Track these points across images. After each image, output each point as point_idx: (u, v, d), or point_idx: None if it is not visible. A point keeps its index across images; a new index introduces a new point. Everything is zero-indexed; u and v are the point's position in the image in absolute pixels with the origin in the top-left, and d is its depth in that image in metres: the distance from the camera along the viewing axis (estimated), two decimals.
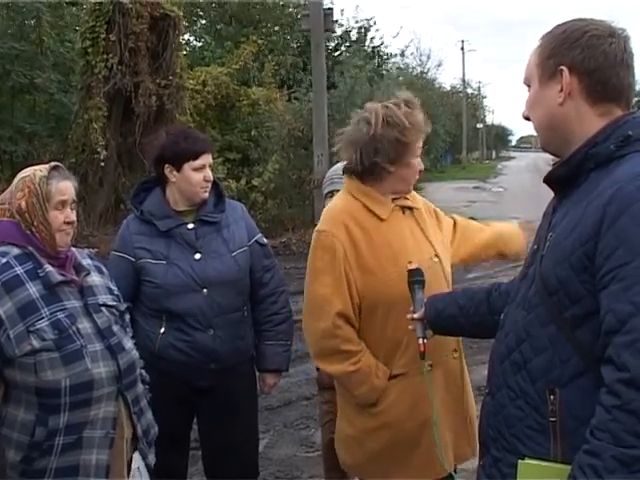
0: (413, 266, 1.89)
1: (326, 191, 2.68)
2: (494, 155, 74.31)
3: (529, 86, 1.40)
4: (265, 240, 2.54)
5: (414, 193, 2.11)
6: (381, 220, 1.97)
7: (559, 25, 1.35)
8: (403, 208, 2.04)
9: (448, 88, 42.27)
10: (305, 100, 12.23)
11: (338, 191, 2.14)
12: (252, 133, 13.39)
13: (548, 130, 1.37)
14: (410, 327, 1.86)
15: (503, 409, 1.36)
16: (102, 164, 10.41)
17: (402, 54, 23.75)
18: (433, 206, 2.22)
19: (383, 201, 1.99)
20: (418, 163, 1.99)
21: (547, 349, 1.29)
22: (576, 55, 1.30)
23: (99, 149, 10.20)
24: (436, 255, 2.02)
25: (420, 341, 1.82)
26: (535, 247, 1.41)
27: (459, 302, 1.79)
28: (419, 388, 1.92)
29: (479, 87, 55.62)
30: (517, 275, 1.50)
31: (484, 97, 58.62)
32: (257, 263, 2.46)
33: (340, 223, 1.94)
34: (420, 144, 1.96)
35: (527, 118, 1.41)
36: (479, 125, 52.70)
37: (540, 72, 1.35)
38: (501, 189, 24.61)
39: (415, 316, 1.84)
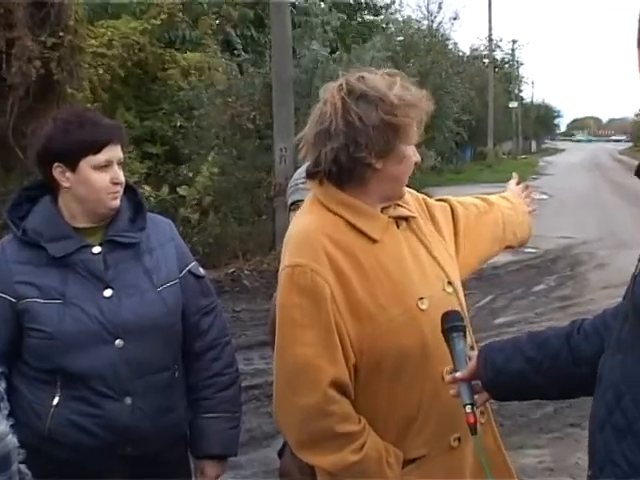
0: (447, 308, 1.98)
1: (290, 201, 2.76)
2: (534, 147, 75.50)
3: None
4: (202, 271, 2.59)
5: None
6: (373, 241, 2.02)
7: None
8: (397, 220, 2.11)
9: (467, 52, 43.26)
10: (261, 72, 12.38)
11: None
12: (180, 119, 13.49)
13: None
14: (452, 392, 1.93)
15: None
16: None
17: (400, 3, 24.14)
18: (420, 196, 2.30)
19: (373, 214, 2.05)
20: (414, 154, 2.06)
21: None
22: None
23: None
24: (449, 283, 2.11)
25: (468, 409, 1.88)
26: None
27: (526, 353, 1.86)
28: (448, 472, 1.99)
29: (512, 50, 56.75)
30: (609, 309, 1.60)
31: (520, 64, 59.67)
32: (192, 303, 2.52)
33: (319, 251, 1.97)
34: (416, 127, 2.02)
35: None
36: (513, 104, 53.59)
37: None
38: (544, 196, 24.95)
39: (458, 376, 1.90)
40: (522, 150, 61.12)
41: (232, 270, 10.84)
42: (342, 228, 2.02)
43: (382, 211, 2.09)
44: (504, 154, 55.08)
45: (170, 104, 13.91)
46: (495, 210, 2.47)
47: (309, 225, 2.04)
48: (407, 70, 22.50)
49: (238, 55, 13.33)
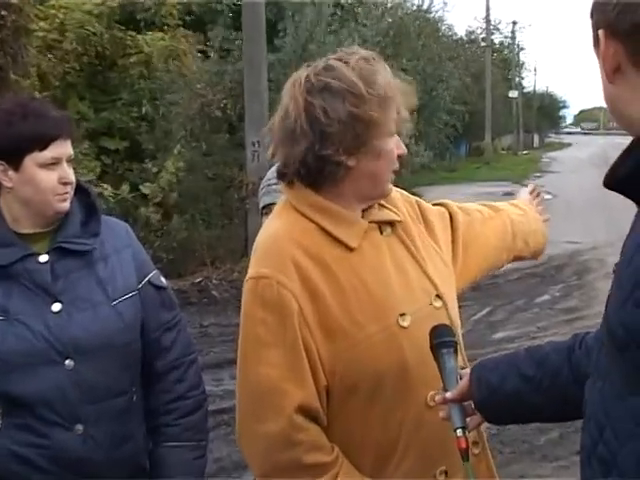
0: (435, 322, 1.99)
1: (261, 204, 2.76)
2: (537, 141, 76.01)
3: None
4: (164, 281, 2.59)
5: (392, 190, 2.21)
6: (349, 250, 2.04)
7: None
8: (381, 225, 2.13)
9: (463, 35, 43.51)
10: (231, 58, 12.40)
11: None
12: (144, 109, 13.47)
13: (614, 118, 1.48)
14: (441, 414, 1.93)
15: None
16: None
17: None
18: (414, 199, 2.32)
19: (349, 218, 2.06)
20: (396, 145, 2.06)
21: (634, 435, 1.36)
22: (609, 11, 1.38)
23: None
24: (438, 296, 2.12)
25: (459, 433, 1.88)
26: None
27: (524, 371, 1.87)
28: None
29: (512, 32, 57.15)
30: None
31: (521, 48, 60.11)
32: (152, 317, 2.51)
33: (287, 260, 1.99)
34: (395, 115, 2.02)
35: None
36: (512, 93, 53.87)
37: (593, 39, 1.45)
38: (549, 196, 25.12)
39: (449, 396, 1.91)
40: (523, 145, 61.53)
41: (199, 279, 10.85)
42: (315, 235, 2.03)
43: (363, 214, 2.10)
44: (503, 149, 55.43)
45: (130, 93, 13.90)
46: (503, 216, 2.50)
47: (277, 231, 2.06)
48: (398, 55, 22.62)
49: (208, 40, 13.34)
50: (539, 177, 33.36)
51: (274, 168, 2.78)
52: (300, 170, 2.02)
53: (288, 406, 1.94)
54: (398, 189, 2.26)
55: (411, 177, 19.97)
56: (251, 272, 2.01)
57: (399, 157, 2.07)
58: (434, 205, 2.39)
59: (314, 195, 2.05)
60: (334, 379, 1.98)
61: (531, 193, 2.72)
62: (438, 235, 2.27)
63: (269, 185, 2.75)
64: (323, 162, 1.99)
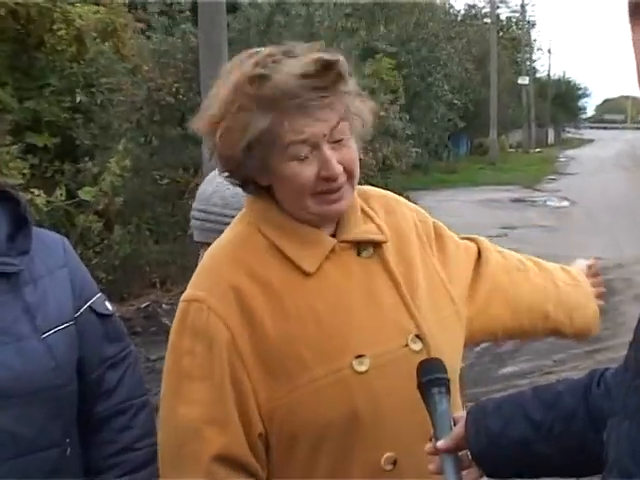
0: (425, 356, 2.02)
1: (195, 239, 2.87)
2: (552, 137, 76.39)
3: None
4: (110, 307, 2.59)
5: (392, 198, 2.27)
6: (305, 275, 2.07)
7: None
8: (359, 245, 2.15)
9: (462, 10, 43.67)
10: (181, 34, 12.38)
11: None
12: (78, 97, 13.39)
13: None
14: (431, 467, 1.94)
15: None
16: None
17: None
18: (432, 220, 2.36)
19: (310, 236, 2.10)
20: (321, 165, 2.03)
21: None
22: None
23: None
24: (418, 337, 2.11)
25: None
26: None
27: (531, 415, 1.87)
28: None
29: (522, 6, 57.54)
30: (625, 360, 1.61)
31: (532, 25, 60.47)
32: (93, 352, 2.50)
33: (225, 282, 2.04)
34: (307, 126, 2.00)
35: None
36: (523, 79, 54.28)
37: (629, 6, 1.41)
38: (565, 203, 25.40)
39: (441, 445, 1.92)
40: (536, 142, 61.82)
41: (146, 304, 10.85)
42: (267, 255, 2.08)
43: (338, 231, 2.14)
44: (511, 147, 55.69)
45: (61, 79, 13.79)
46: (546, 276, 2.50)
47: (223, 247, 2.14)
48: (383, 36, 22.72)
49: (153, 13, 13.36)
50: (554, 180, 33.58)
51: (210, 177, 2.88)
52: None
53: (205, 454, 1.97)
54: (413, 207, 2.31)
55: (399, 179, 20.03)
56: (185, 293, 2.08)
57: (327, 180, 2.05)
58: (463, 239, 2.42)
59: (274, 207, 2.12)
60: (272, 426, 2.01)
61: (589, 268, 2.69)
62: (452, 267, 2.30)
63: (203, 212, 2.83)
64: (247, 182, 2.14)
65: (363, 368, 2.02)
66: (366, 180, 16.30)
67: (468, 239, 2.44)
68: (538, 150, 57.65)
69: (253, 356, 2.00)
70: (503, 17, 53.82)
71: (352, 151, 2.08)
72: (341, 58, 2.04)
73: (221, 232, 2.24)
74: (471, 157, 43.56)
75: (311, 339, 2.02)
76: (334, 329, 2.04)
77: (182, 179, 12.01)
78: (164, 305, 10.79)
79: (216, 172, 2.82)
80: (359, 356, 2.02)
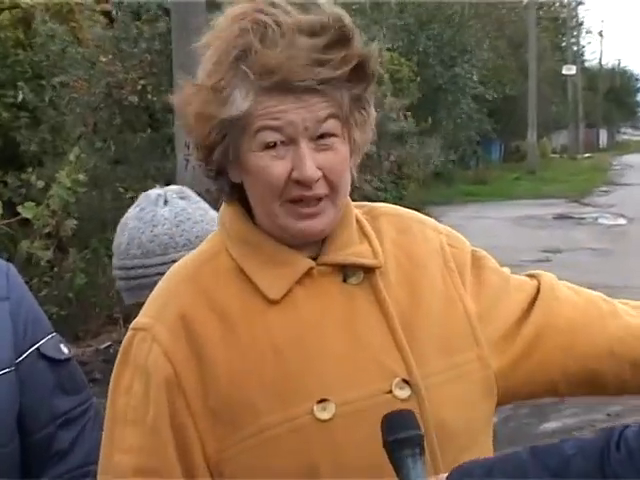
0: (414, 406, 1.99)
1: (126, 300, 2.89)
2: (604, 140, 76.22)
3: None
4: (66, 350, 2.60)
5: (410, 218, 2.28)
6: (269, 302, 2.07)
7: None
8: (344, 270, 2.13)
9: None
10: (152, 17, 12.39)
11: None
12: (21, 93, 13.40)
13: None
14: None
15: None
16: None
17: None
18: (469, 247, 2.34)
19: (281, 258, 2.10)
20: (293, 162, 2.02)
21: None
22: None
23: None
24: (406, 382, 2.07)
25: None
26: None
27: None
28: None
29: None
30: None
31: (579, 2, 60.39)
32: (40, 406, 2.51)
33: (175, 309, 2.07)
34: (285, 112, 1.99)
35: None
36: (568, 69, 54.11)
37: None
38: (621, 220, 25.33)
39: None
40: (584, 145, 61.83)
41: (107, 344, 10.87)
42: (229, 277, 2.10)
43: (322, 251, 2.13)
44: (555, 152, 55.70)
45: (3, 69, 13.80)
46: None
47: (182, 267, 2.17)
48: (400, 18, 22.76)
49: None
50: (607, 193, 33.54)
51: (124, 223, 2.91)
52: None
53: None
54: (441, 225, 2.32)
55: (416, 190, 20.07)
56: (134, 321, 2.11)
57: (299, 184, 2.03)
58: (526, 275, 2.37)
59: (243, 216, 2.14)
60: None
61: None
62: (490, 303, 2.25)
63: (123, 269, 2.88)
64: (218, 177, 2.14)
65: (326, 415, 2.00)
66: (374, 194, 16.30)
67: (529, 275, 2.38)
68: (587, 155, 57.64)
69: (200, 398, 2.01)
70: None
71: (340, 158, 2.06)
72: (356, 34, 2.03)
73: (153, 286, 2.24)
74: (505, 164, 43.55)
75: (267, 379, 2.01)
76: (295, 368, 2.02)
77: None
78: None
79: (125, 218, 2.90)
80: (322, 400, 2.00)
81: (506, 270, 2.35)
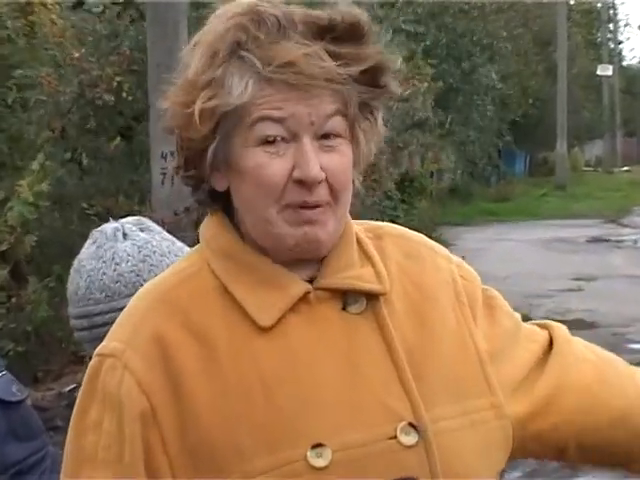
0: (421, 454, 1.99)
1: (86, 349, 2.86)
2: None
3: None
4: (17, 392, 2.60)
5: (419, 242, 2.27)
6: (259, 329, 2.06)
7: None
8: (345, 295, 2.12)
9: None
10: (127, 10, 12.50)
11: None
12: None
13: None
14: None
15: None
16: None
17: None
18: (480, 284, 2.33)
19: (272, 277, 2.09)
20: (295, 160, 2.02)
21: None
22: None
23: None
24: (412, 426, 2.07)
25: None
26: None
27: None
28: None
29: None
30: None
31: None
32: None
33: (149, 333, 2.05)
34: (290, 101, 1.99)
35: None
36: (604, 69, 54.34)
37: None
38: None
39: None
40: (622, 157, 62.03)
41: (70, 387, 10.88)
42: (212, 299, 2.08)
43: (320, 274, 2.11)
44: (588, 165, 55.90)
45: None
46: None
47: (157, 287, 2.15)
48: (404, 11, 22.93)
49: None
50: None
51: (78, 267, 2.94)
52: (200, 192, 2.14)
53: None
54: (453, 256, 2.31)
55: (426, 208, 20.14)
56: (100, 345, 2.09)
57: (301, 184, 2.03)
58: (535, 324, 2.38)
59: (228, 229, 2.12)
60: None
61: None
62: (502, 345, 2.26)
63: (84, 317, 2.89)
64: (187, 180, 2.13)
65: (321, 463, 1.97)
66: (379, 212, 16.36)
67: (538, 325, 2.39)
68: (626, 169, 57.79)
69: (178, 436, 1.99)
70: None
71: (345, 162, 2.06)
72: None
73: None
74: (530, 179, 43.73)
75: (255, 419, 1.99)
76: (287, 407, 2.01)
77: (123, 210, 12.02)
78: None
79: (79, 260, 2.91)
80: (317, 445, 1.98)
81: (515, 314, 2.35)
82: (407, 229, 2.36)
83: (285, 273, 2.09)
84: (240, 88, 1.97)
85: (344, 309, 2.11)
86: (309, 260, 2.09)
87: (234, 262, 2.09)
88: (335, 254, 2.12)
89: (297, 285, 2.08)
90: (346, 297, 2.11)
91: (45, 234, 12.05)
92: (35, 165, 11.96)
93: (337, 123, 2.02)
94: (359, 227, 2.22)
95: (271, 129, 1.99)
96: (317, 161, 1.99)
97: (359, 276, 2.13)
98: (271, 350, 2.04)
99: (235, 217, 2.12)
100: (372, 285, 2.13)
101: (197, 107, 2.00)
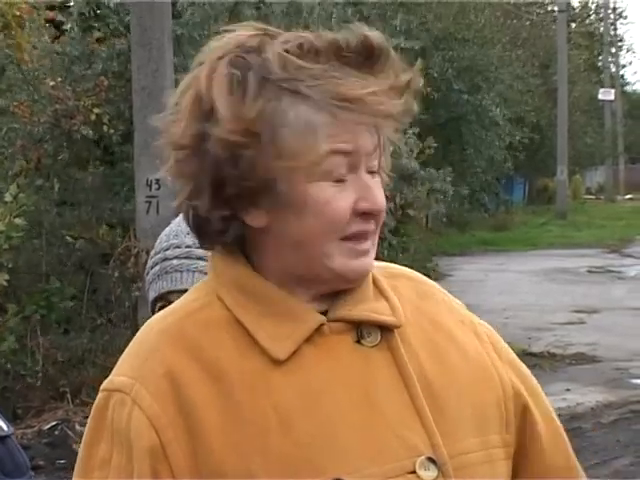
0: None
1: (152, 295, 2.90)
2: None
3: None
4: (5, 427, 2.62)
5: (432, 285, 2.30)
6: (273, 362, 2.06)
7: None
8: (359, 327, 2.14)
9: None
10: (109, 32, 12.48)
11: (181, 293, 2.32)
12: None
13: None
14: None
15: None
16: None
17: None
18: (486, 326, 2.35)
19: (287, 310, 2.10)
20: (357, 192, 2.05)
21: None
22: None
23: None
24: (431, 460, 2.07)
25: None
26: None
27: None
28: None
29: None
30: None
31: (619, 16, 60.82)
32: None
33: (159, 367, 2.06)
34: (356, 134, 2.01)
35: None
36: (606, 94, 54.22)
37: None
38: None
39: None
40: (625, 184, 61.87)
41: (52, 424, 10.83)
42: (225, 332, 2.08)
43: (332, 306, 2.12)
44: (590, 193, 55.80)
45: None
46: None
47: (165, 319, 2.15)
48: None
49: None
50: None
51: (177, 222, 2.91)
52: (209, 228, 2.09)
53: None
54: (456, 303, 2.33)
55: (423, 239, 20.12)
56: (106, 380, 2.10)
57: (366, 217, 2.07)
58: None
59: (242, 266, 2.11)
60: None
61: None
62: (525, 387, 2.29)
63: (165, 259, 2.83)
64: (211, 217, 2.06)
65: None
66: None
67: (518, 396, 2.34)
68: (629, 197, 57.67)
69: (189, 471, 2.00)
70: (576, 2, 54.20)
71: (382, 191, 2.09)
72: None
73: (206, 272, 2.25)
74: (530, 207, 43.63)
75: (271, 454, 2.00)
76: (304, 441, 2.02)
77: (105, 241, 11.97)
78: (77, 426, 10.72)
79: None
80: None
81: (512, 355, 2.37)
82: (418, 273, 2.39)
83: (300, 304, 2.10)
84: (307, 117, 1.98)
85: (358, 342, 2.12)
86: (334, 292, 2.12)
87: (247, 294, 2.09)
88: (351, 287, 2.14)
89: (312, 316, 2.10)
90: (360, 330, 2.13)
91: (21, 265, 12.00)
92: (8, 196, 11.94)
93: (377, 154, 2.05)
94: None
95: (339, 162, 2.00)
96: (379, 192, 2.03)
97: (374, 309, 2.15)
98: (286, 383, 2.05)
99: (246, 250, 2.11)
100: (387, 317, 2.15)
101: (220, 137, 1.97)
